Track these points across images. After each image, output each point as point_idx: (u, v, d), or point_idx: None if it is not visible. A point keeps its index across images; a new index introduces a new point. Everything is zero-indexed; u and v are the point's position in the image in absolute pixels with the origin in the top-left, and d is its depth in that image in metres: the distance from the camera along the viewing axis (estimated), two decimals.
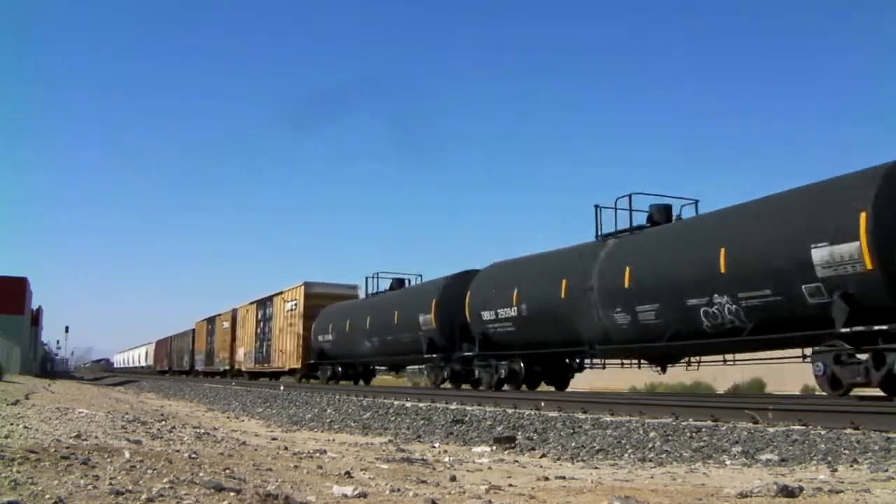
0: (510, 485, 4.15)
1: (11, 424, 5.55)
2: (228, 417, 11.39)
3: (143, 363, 74.32)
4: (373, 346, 21.11)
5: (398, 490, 3.71)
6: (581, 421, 7.64)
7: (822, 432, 5.90)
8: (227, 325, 39.06)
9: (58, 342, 71.37)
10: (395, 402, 11.61)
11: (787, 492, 3.54)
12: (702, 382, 24.06)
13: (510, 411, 9.07)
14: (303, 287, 27.34)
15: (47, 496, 2.73)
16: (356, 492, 3.45)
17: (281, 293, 29.72)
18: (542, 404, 9.50)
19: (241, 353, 35.44)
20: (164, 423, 7.95)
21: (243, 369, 34.76)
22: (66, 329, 67.23)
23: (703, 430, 6.45)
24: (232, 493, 3.08)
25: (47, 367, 54.85)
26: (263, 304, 32.34)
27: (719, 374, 18.63)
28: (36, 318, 45.24)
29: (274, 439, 7.09)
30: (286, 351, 28.15)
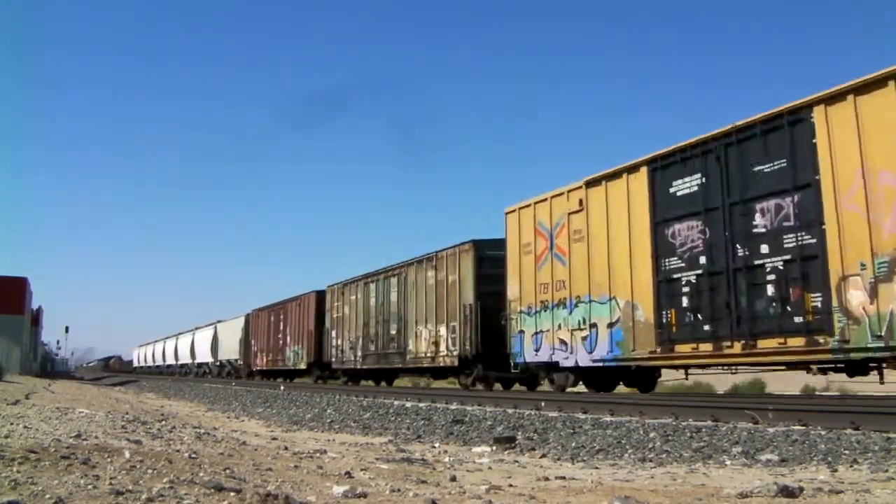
0: (510, 485, 4.15)
1: (11, 424, 5.55)
2: (228, 417, 11.39)
3: (200, 359, 42.66)
4: None
5: (398, 490, 3.71)
6: (581, 421, 7.64)
7: (822, 432, 5.90)
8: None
9: (58, 342, 71.30)
10: (395, 403, 11.61)
11: (787, 492, 3.54)
12: (702, 382, 24.07)
13: (510, 411, 9.07)
14: None
15: (47, 496, 2.73)
16: (356, 492, 3.45)
17: None
18: (543, 404, 9.50)
19: None
20: (164, 423, 7.95)
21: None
22: (66, 329, 66.99)
23: (703, 430, 6.45)
24: (232, 493, 3.08)
25: (47, 367, 54.89)
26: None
27: (719, 374, 18.56)
28: (36, 318, 45.34)
29: (274, 439, 7.08)
30: None
